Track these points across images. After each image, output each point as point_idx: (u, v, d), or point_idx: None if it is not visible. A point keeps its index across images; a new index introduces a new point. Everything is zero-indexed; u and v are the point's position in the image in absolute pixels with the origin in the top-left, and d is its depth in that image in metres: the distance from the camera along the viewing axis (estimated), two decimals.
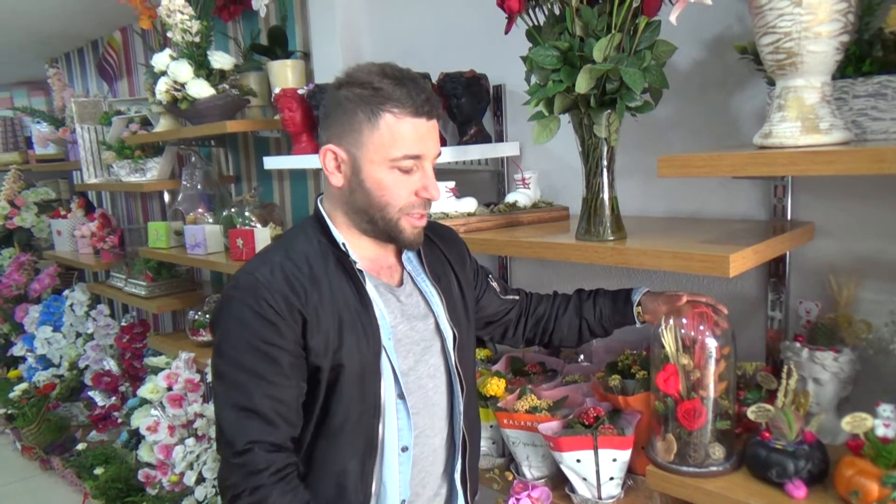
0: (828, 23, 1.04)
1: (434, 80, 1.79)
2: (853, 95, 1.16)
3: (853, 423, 1.12)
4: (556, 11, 1.26)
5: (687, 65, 1.53)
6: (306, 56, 2.50)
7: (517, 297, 1.46)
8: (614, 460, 1.31)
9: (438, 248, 1.32)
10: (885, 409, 1.11)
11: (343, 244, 1.16)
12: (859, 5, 1.17)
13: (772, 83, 1.18)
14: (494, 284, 1.44)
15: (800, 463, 1.14)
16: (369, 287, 1.17)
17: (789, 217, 1.41)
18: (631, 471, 1.39)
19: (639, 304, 1.35)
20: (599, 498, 1.34)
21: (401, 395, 1.17)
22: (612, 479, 1.33)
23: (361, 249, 1.19)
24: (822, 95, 1.09)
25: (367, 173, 1.11)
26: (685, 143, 1.56)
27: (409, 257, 1.26)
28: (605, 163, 1.29)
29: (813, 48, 1.06)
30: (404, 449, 1.18)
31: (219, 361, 1.10)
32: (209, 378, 2.49)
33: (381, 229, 1.16)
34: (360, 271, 1.16)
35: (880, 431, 1.10)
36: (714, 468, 1.23)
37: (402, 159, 1.10)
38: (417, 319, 1.22)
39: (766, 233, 1.30)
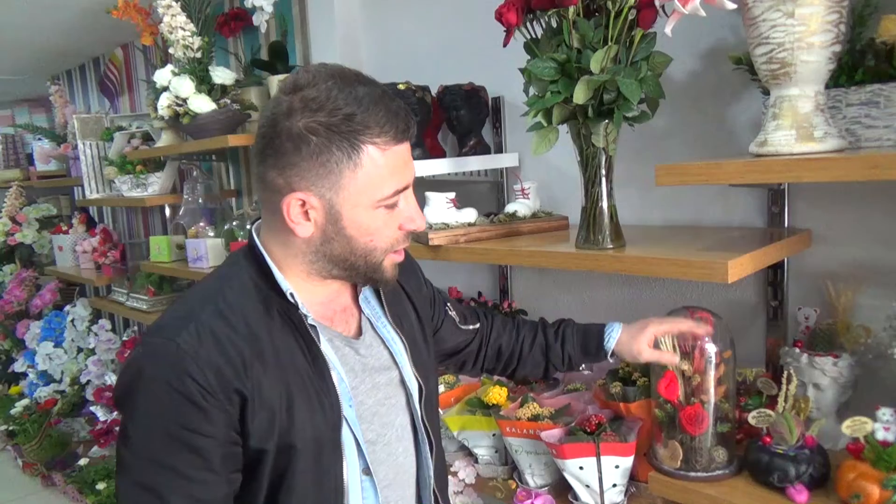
0: (820, 33, 1.06)
1: (433, 92, 1.82)
2: (847, 104, 1.18)
3: (853, 427, 1.13)
4: (554, 24, 1.28)
5: (683, 76, 1.55)
6: None
7: (478, 326, 1.29)
8: (617, 467, 1.32)
9: (397, 281, 1.08)
10: (884, 412, 1.13)
11: (291, 294, 0.94)
12: (851, 16, 1.19)
13: (766, 93, 1.20)
14: (453, 314, 1.26)
15: (801, 467, 1.15)
16: (324, 345, 0.95)
17: (786, 224, 1.43)
18: (633, 478, 1.40)
19: (612, 353, 1.26)
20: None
21: (366, 471, 0.98)
22: (614, 485, 1.33)
23: (311, 294, 0.98)
24: (815, 104, 1.11)
25: (349, 219, 0.91)
26: (682, 153, 1.58)
27: (366, 297, 1.06)
28: (603, 172, 1.31)
29: (806, 58, 1.08)
30: None
31: (123, 451, 0.86)
32: None
33: (362, 274, 0.98)
34: (314, 327, 0.95)
35: (880, 435, 1.11)
36: (718, 472, 1.23)
37: (391, 196, 0.93)
38: (379, 373, 1.03)
39: (764, 240, 1.32)
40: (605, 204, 1.32)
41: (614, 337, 1.25)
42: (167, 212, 3.39)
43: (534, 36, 1.32)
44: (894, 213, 1.29)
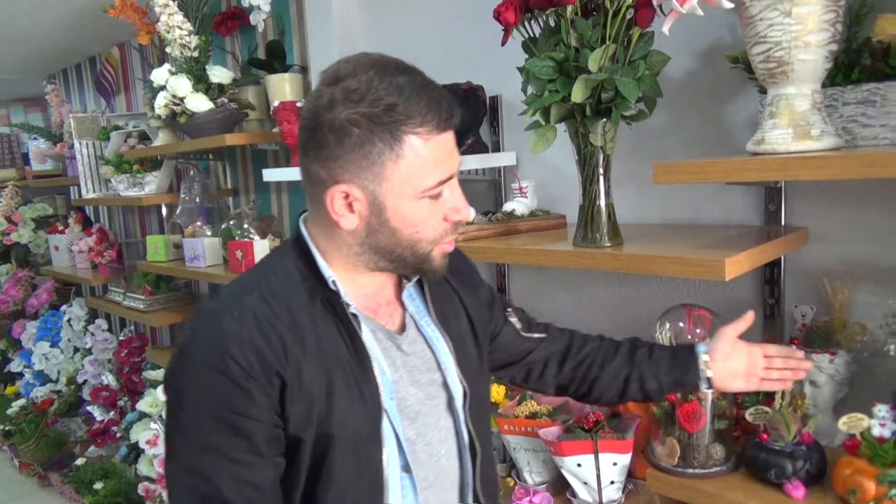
0: (817, 32, 1.07)
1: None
2: (843, 103, 1.19)
3: (850, 423, 1.14)
4: (552, 23, 1.28)
5: (680, 75, 1.56)
6: (304, 70, 2.53)
7: (543, 335, 1.21)
8: (615, 464, 1.32)
9: (446, 279, 1.08)
10: (880, 409, 1.14)
11: (333, 282, 0.93)
12: (847, 15, 1.20)
13: (763, 91, 1.21)
14: (514, 320, 1.20)
15: (798, 463, 1.16)
16: (366, 335, 0.95)
17: (783, 222, 1.44)
18: (631, 475, 1.40)
19: (706, 355, 1.15)
20: (600, 502, 1.35)
21: (406, 468, 0.96)
22: (612, 482, 1.34)
23: (356, 285, 0.97)
24: (812, 103, 1.12)
25: (393, 210, 0.90)
26: (679, 152, 1.58)
27: (410, 294, 1.04)
28: (601, 171, 1.31)
29: (803, 57, 1.08)
30: None
31: (173, 435, 0.88)
32: None
33: (409, 265, 0.96)
34: (355, 315, 0.94)
35: (876, 431, 1.12)
36: (716, 469, 1.24)
37: (435, 187, 0.90)
38: (421, 371, 1.01)
39: (761, 238, 1.32)
40: (602, 202, 1.33)
41: (705, 344, 1.18)
42: (164, 211, 3.39)
43: (532, 35, 1.33)
44: (890, 211, 1.30)
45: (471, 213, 0.96)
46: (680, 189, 1.60)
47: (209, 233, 2.69)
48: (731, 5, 1.09)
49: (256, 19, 2.41)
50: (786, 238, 1.33)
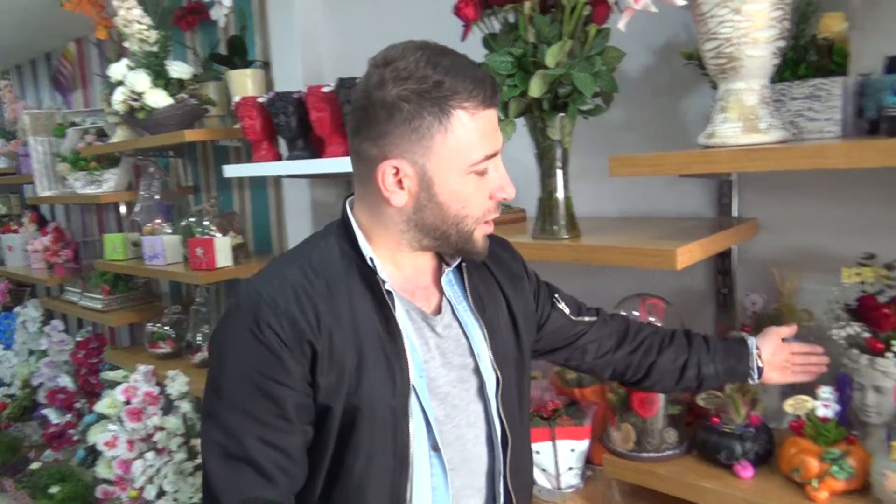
0: (765, 29, 1.11)
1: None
2: (791, 97, 1.24)
3: (795, 405, 1.18)
4: (511, 19, 1.31)
5: (637, 70, 1.60)
6: (266, 65, 2.52)
7: (594, 318, 1.21)
8: (572, 450, 1.35)
9: (486, 265, 1.09)
10: (824, 391, 1.19)
11: (371, 259, 0.96)
12: (794, 13, 1.25)
13: (715, 87, 1.25)
14: (562, 305, 1.19)
15: (747, 445, 1.20)
16: (399, 312, 0.97)
17: (735, 214, 1.49)
18: (589, 461, 1.43)
19: (758, 348, 1.21)
20: (559, 488, 1.38)
21: (435, 447, 0.97)
22: (570, 469, 1.37)
23: (396, 266, 1.00)
24: (761, 97, 1.16)
25: (441, 185, 0.92)
26: (637, 145, 1.62)
27: (449, 280, 1.05)
28: (559, 164, 1.34)
29: (751, 53, 1.13)
30: None
31: (210, 396, 0.93)
32: (168, 390, 2.48)
33: (453, 244, 0.97)
34: (390, 293, 0.96)
35: (820, 412, 1.17)
36: (669, 452, 1.28)
37: (482, 161, 0.93)
38: (454, 354, 1.02)
39: (713, 229, 1.37)
40: (560, 195, 1.36)
41: (753, 338, 1.23)
42: (122, 209, 3.33)
43: (492, 31, 1.35)
44: (834, 202, 1.36)
45: (513, 193, 0.98)
46: (636, 182, 1.64)
47: (169, 230, 2.66)
48: (684, 2, 1.13)
49: (218, 14, 2.40)
50: (736, 229, 1.38)
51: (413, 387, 0.95)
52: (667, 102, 1.56)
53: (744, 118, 1.16)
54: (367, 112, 0.92)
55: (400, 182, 0.93)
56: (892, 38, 1.21)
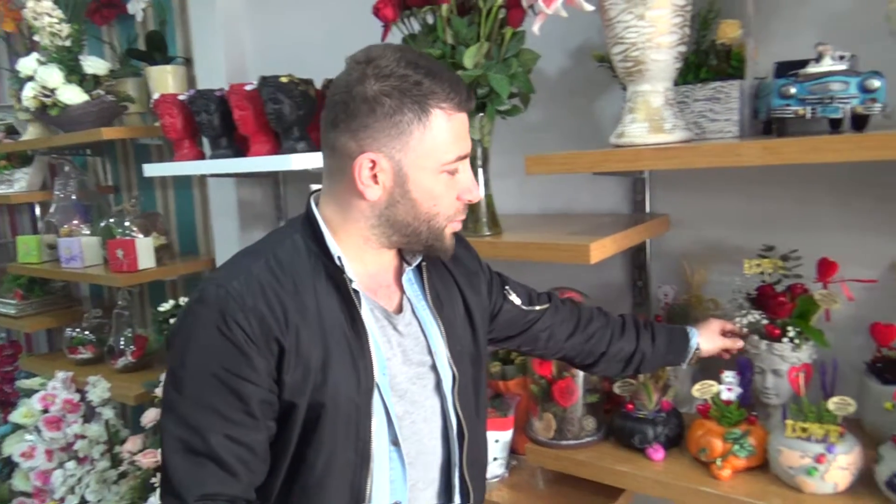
0: (667, 34, 1.17)
1: (318, 85, 1.83)
2: (694, 99, 1.31)
3: (701, 389, 1.26)
4: (430, 21, 1.33)
5: (555, 72, 1.65)
6: (188, 62, 2.46)
7: (546, 306, 1.24)
8: (497, 441, 1.39)
9: (443, 264, 1.11)
10: (728, 375, 1.26)
11: (339, 258, 0.97)
12: (696, 20, 1.32)
13: (625, 88, 1.31)
14: (514, 297, 1.22)
15: (658, 429, 1.27)
16: (365, 311, 0.98)
17: (648, 210, 1.56)
18: (514, 451, 1.48)
19: (698, 348, 1.28)
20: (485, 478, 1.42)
21: (395, 442, 1.00)
22: (495, 459, 1.41)
23: (361, 264, 1.01)
24: (665, 99, 1.23)
25: (415, 182, 0.94)
26: (557, 145, 1.67)
27: (409, 278, 1.07)
28: (479, 163, 1.38)
29: (655, 57, 1.19)
30: None
31: (171, 391, 0.91)
32: (89, 397, 2.40)
33: (424, 241, 1.00)
34: (356, 291, 0.97)
35: (724, 395, 1.25)
36: (588, 439, 1.34)
37: (455, 161, 0.96)
38: (413, 352, 1.04)
39: (628, 225, 1.43)
40: (482, 193, 1.39)
41: (695, 333, 1.29)
42: (37, 210, 3.19)
43: (412, 31, 1.37)
44: (736, 198, 1.44)
45: (479, 195, 1.03)
46: (557, 180, 1.70)
47: (88, 232, 2.57)
48: (592, 8, 1.18)
49: (135, 8, 2.33)
50: (648, 224, 1.44)
51: (377, 384, 0.97)
52: (584, 103, 1.62)
53: (650, 119, 1.22)
54: (347, 106, 0.93)
55: (375, 177, 0.94)
56: (784, 44, 1.31)
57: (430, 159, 0.94)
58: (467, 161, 0.99)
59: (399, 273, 1.07)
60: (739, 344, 1.30)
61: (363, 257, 1.01)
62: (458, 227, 1.02)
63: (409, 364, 1.03)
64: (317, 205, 1.02)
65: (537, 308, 1.23)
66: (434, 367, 1.05)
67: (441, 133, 0.93)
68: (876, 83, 0.97)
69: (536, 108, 1.66)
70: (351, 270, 0.98)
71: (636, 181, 1.56)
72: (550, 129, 1.69)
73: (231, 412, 0.89)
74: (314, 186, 1.68)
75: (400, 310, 1.05)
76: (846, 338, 1.33)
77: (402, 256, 1.07)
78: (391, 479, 0.99)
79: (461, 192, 0.99)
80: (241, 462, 0.89)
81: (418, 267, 1.08)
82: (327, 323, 0.94)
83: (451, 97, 0.93)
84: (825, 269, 1.28)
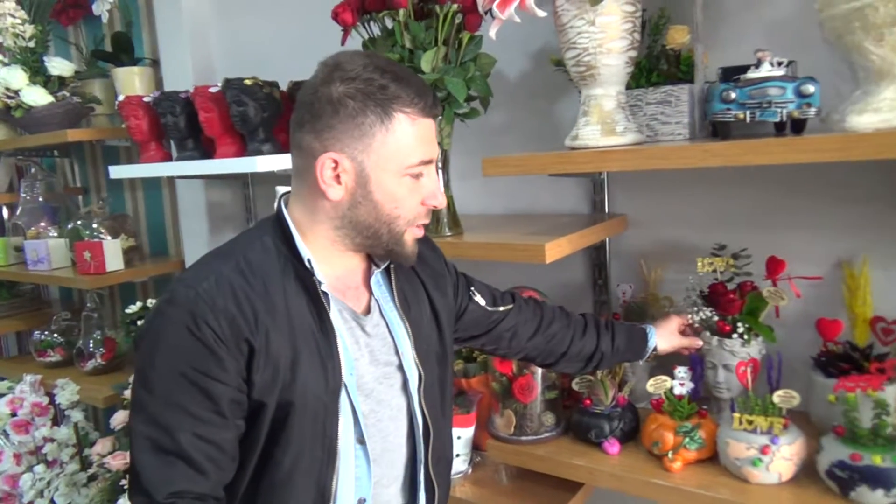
0: (618, 40, 1.21)
1: (284, 88, 1.84)
2: (646, 102, 1.34)
3: (655, 384, 1.29)
4: (389, 25, 1.35)
5: (516, 76, 1.68)
6: (155, 63, 2.45)
7: (510, 306, 1.27)
8: (458, 437, 1.42)
9: (412, 268, 1.13)
10: (680, 370, 1.30)
11: (308, 260, 0.99)
12: (647, 25, 1.36)
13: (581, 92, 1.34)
14: (478, 298, 1.24)
15: (614, 423, 1.31)
16: (333, 313, 1.00)
17: (607, 210, 1.59)
18: (477, 448, 1.51)
19: (655, 347, 1.33)
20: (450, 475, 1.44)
21: (361, 440, 1.02)
22: (458, 455, 1.44)
23: (329, 266, 1.02)
24: (617, 103, 1.26)
25: (377, 183, 0.96)
26: (519, 147, 1.70)
27: (377, 280, 1.09)
28: (439, 165, 1.39)
29: (607, 62, 1.22)
30: (361, 501, 1.03)
31: (140, 391, 0.92)
32: (58, 400, 2.38)
33: (384, 245, 1.01)
34: (325, 293, 0.99)
35: (677, 390, 1.29)
36: (547, 434, 1.37)
37: (417, 165, 0.97)
38: (380, 353, 1.06)
39: (587, 225, 1.46)
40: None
41: (653, 332, 1.33)
42: (5, 212, 3.15)
43: (372, 35, 1.39)
44: (692, 199, 1.48)
45: (444, 202, 1.04)
46: (520, 182, 1.73)
47: (55, 234, 2.55)
48: (545, 14, 1.21)
49: (100, 9, 2.32)
50: (606, 224, 1.48)
51: (344, 384, 0.99)
52: (544, 106, 1.65)
53: (602, 122, 1.25)
54: (312, 106, 0.95)
55: (338, 177, 0.96)
56: (732, 49, 1.35)
57: (393, 162, 0.95)
58: (433, 166, 1.00)
59: (368, 275, 1.08)
60: (698, 342, 1.33)
61: (331, 259, 1.02)
62: (419, 233, 1.03)
63: (376, 364, 1.05)
64: (286, 206, 1.04)
65: (501, 308, 1.26)
66: (401, 367, 1.07)
67: (404, 137, 0.95)
68: (811, 88, 1.01)
69: (499, 110, 1.69)
70: (320, 272, 0.99)
71: (595, 182, 1.59)
72: (513, 132, 1.72)
73: (200, 411, 0.90)
74: (280, 189, 1.70)
75: (368, 311, 1.06)
76: (795, 333, 1.37)
77: (371, 259, 1.08)
78: (356, 476, 1.01)
79: (426, 197, 1.00)
80: (210, 460, 0.90)
81: (386, 269, 1.10)
82: (296, 324, 0.96)
83: (416, 102, 0.95)
84: (773, 267, 1.33)
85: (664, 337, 1.33)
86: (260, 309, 0.93)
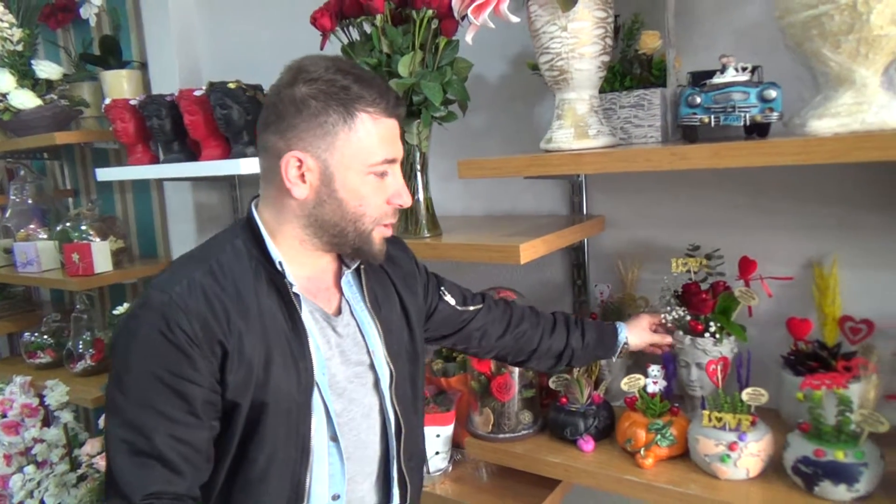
0: (590, 45, 1.23)
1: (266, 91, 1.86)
2: (620, 106, 1.37)
3: (629, 383, 1.32)
4: (367, 30, 1.37)
5: (497, 79, 1.70)
6: (143, 66, 2.47)
7: (480, 306, 1.29)
8: (438, 436, 1.44)
9: (382, 268, 1.16)
10: (653, 369, 1.32)
11: (279, 263, 1.01)
12: (621, 31, 1.38)
13: None
14: (449, 297, 1.27)
15: (588, 421, 1.33)
16: (304, 314, 1.02)
17: (585, 211, 1.62)
18: (458, 445, 1.53)
19: (626, 342, 1.35)
20: (428, 472, 1.47)
21: (334, 438, 1.04)
22: (437, 453, 1.46)
23: (300, 267, 1.04)
24: (590, 106, 1.28)
25: (341, 182, 0.98)
26: (500, 149, 1.73)
27: (348, 281, 1.11)
28: (418, 167, 1.42)
29: (579, 66, 1.24)
30: (335, 497, 1.05)
31: (115, 393, 0.93)
32: (48, 401, 2.40)
33: (351, 243, 1.03)
34: (297, 295, 1.01)
35: (650, 388, 1.31)
36: (524, 432, 1.39)
37: (381, 164, 0.99)
38: (352, 352, 1.08)
39: (564, 226, 1.48)
40: (421, 196, 1.44)
41: (623, 328, 1.35)
42: None
43: (351, 40, 1.41)
44: (667, 201, 1.51)
45: (410, 201, 1.06)
46: (501, 184, 1.75)
47: (44, 236, 2.56)
48: (518, 19, 1.23)
49: (87, 13, 2.33)
50: (582, 225, 1.50)
51: (316, 383, 1.01)
52: (524, 109, 1.67)
53: (575, 125, 1.27)
54: (276, 108, 0.98)
55: (303, 175, 0.98)
56: (704, 54, 1.37)
57: (356, 160, 0.98)
58: (397, 165, 1.03)
59: (338, 276, 1.10)
60: (668, 340, 1.36)
61: (302, 260, 1.04)
62: (387, 232, 1.05)
63: (347, 364, 1.07)
64: (256, 209, 1.06)
65: (471, 308, 1.28)
66: (372, 366, 1.09)
67: (367, 136, 0.97)
68: (773, 93, 1.04)
69: (480, 113, 1.72)
70: (291, 274, 1.01)
71: (574, 184, 1.62)
72: (493, 134, 1.74)
73: (175, 412, 0.91)
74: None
75: (339, 312, 1.08)
76: (767, 332, 1.40)
77: (342, 260, 1.10)
78: (330, 473, 1.03)
79: (391, 196, 1.02)
80: (185, 461, 0.92)
81: (357, 269, 1.12)
82: (269, 325, 0.97)
83: (378, 102, 0.97)
84: (745, 267, 1.35)
85: (635, 333, 1.36)
86: (232, 311, 0.95)
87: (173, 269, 1.00)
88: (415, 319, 1.17)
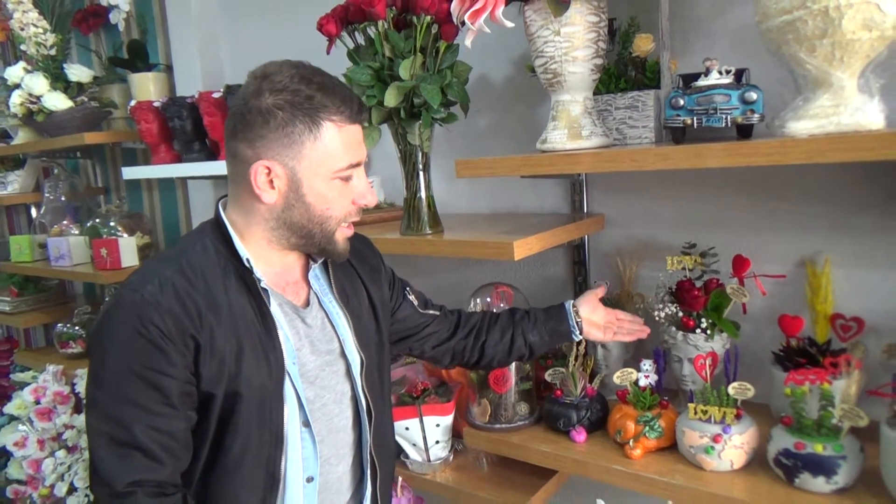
0: (582, 48, 1.27)
1: None
2: (615, 107, 1.40)
3: (622, 376, 1.35)
4: (371, 34, 1.43)
5: (500, 81, 1.75)
6: (169, 69, 2.57)
7: (438, 313, 1.37)
8: (438, 425, 1.49)
9: (349, 261, 1.21)
10: (645, 363, 1.36)
11: (247, 259, 1.06)
12: (617, 34, 1.42)
13: None
14: (412, 297, 1.35)
15: (581, 413, 1.37)
16: (273, 307, 1.07)
17: (586, 210, 1.65)
18: (459, 436, 1.58)
19: (574, 307, 1.37)
20: (429, 460, 1.52)
21: (306, 423, 1.09)
22: (437, 442, 1.51)
23: (267, 264, 1.10)
24: (584, 108, 1.32)
25: (308, 187, 1.03)
26: (501, 149, 1.77)
27: (315, 275, 1.17)
28: (420, 167, 1.47)
29: (572, 69, 1.28)
30: (309, 479, 1.10)
31: (94, 390, 0.98)
32: (78, 388, 2.52)
33: (317, 243, 1.09)
34: (265, 290, 1.06)
35: (642, 382, 1.35)
36: (520, 423, 1.44)
37: (346, 168, 1.05)
38: (321, 341, 1.13)
39: (564, 223, 1.52)
40: (423, 195, 1.49)
41: (570, 301, 1.38)
42: (33, 211, 3.31)
43: (357, 45, 1.47)
44: (665, 200, 1.53)
45: (375, 200, 1.12)
46: (504, 183, 1.79)
47: (76, 231, 2.69)
48: (512, 24, 1.28)
49: (116, 18, 2.43)
50: (581, 223, 1.54)
51: (287, 372, 1.07)
52: (525, 110, 1.71)
53: (569, 126, 1.31)
54: (244, 117, 1.02)
55: (271, 182, 1.03)
56: (699, 57, 1.40)
57: (323, 167, 1.03)
58: (361, 168, 1.09)
59: (306, 271, 1.16)
60: (619, 314, 1.39)
61: (269, 258, 1.10)
62: (349, 232, 1.12)
63: (317, 353, 1.12)
64: (224, 209, 1.11)
65: (430, 312, 1.36)
66: (343, 354, 1.16)
67: (332, 143, 1.02)
68: (754, 96, 1.07)
69: (485, 114, 1.76)
70: (259, 270, 1.06)
71: (574, 183, 1.65)
72: (498, 135, 1.79)
73: (152, 404, 0.96)
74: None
75: (307, 304, 1.14)
76: (760, 329, 1.42)
77: (309, 255, 1.16)
78: (304, 457, 1.09)
79: (356, 197, 1.09)
80: (165, 450, 0.97)
81: (324, 263, 1.18)
82: (239, 319, 1.03)
83: (342, 110, 1.02)
84: (739, 265, 1.38)
85: (586, 304, 1.38)
86: (203, 307, 1.00)
87: (145, 270, 1.05)
88: (381, 311, 1.24)
